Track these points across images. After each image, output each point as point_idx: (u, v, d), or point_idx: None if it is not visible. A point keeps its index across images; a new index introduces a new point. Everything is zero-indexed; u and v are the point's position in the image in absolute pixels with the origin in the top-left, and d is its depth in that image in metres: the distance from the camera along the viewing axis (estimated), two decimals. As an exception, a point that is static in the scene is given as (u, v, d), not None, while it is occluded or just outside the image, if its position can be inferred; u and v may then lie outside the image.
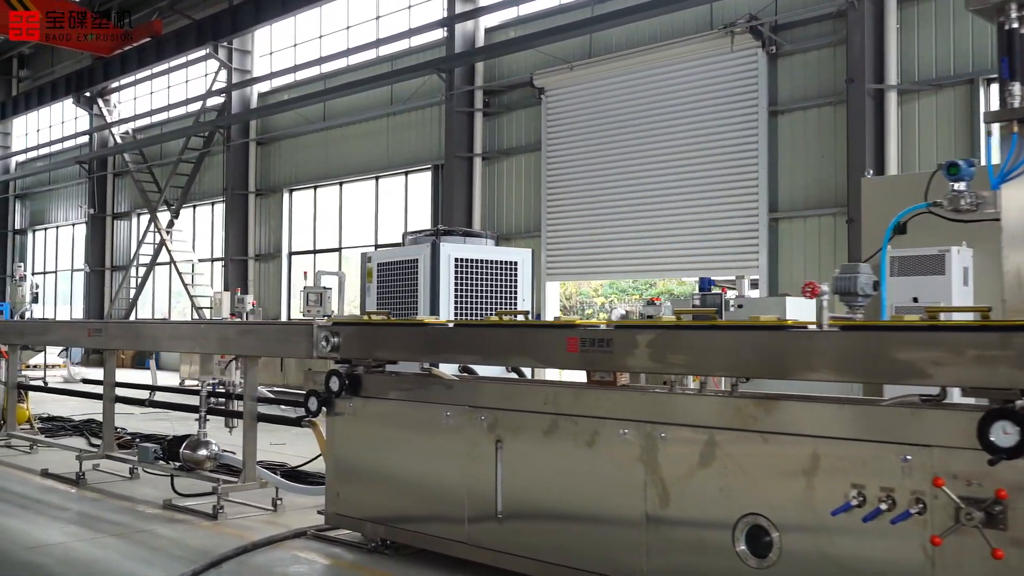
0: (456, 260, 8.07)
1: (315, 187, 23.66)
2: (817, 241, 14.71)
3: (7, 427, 9.95)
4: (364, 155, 22.10)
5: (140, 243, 28.04)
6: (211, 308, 23.95)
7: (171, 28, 24.84)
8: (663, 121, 16.18)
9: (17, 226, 36.30)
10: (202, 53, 25.84)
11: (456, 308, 8.05)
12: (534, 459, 4.71)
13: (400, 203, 21.48)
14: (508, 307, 8.28)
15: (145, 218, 29.62)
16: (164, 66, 27.58)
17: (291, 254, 24.33)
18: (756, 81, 15.15)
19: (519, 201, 18.81)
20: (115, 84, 29.91)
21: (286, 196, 24.35)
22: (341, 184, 22.95)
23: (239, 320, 14.17)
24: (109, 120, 29.81)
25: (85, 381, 10.57)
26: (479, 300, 8.17)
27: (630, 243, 16.62)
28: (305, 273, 17.70)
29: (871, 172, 11.60)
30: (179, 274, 26.15)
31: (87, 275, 30.28)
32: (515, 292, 8.36)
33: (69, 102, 32.11)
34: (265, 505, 6.82)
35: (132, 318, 26.89)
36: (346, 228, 22.89)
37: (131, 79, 29.29)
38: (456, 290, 8.06)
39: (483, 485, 4.93)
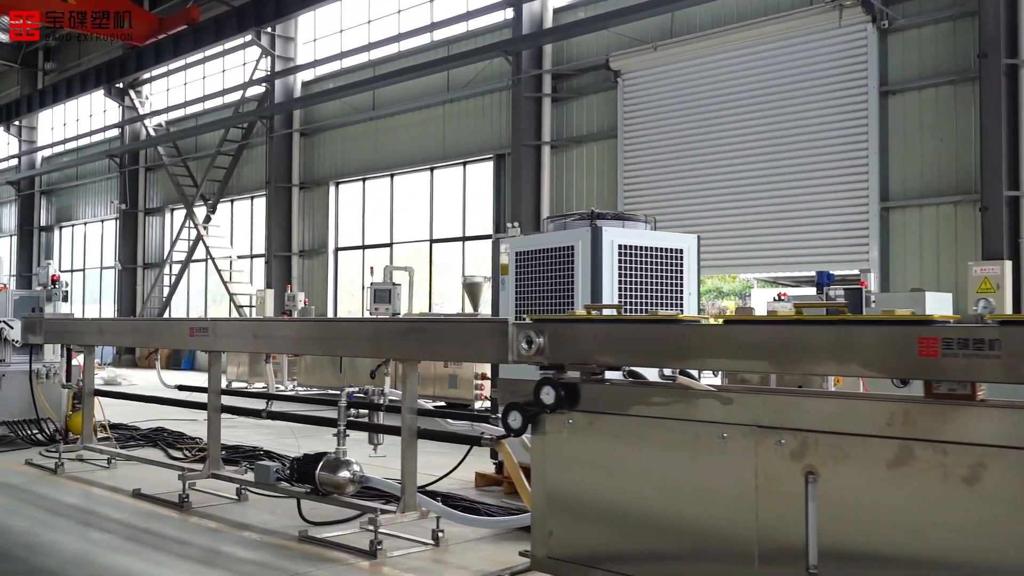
0: (620, 247, 6.93)
1: (363, 179, 22.55)
2: (935, 232, 13.52)
3: (82, 439, 8.84)
4: (417, 145, 20.98)
5: (175, 239, 26.98)
6: (253, 307, 22.91)
7: (208, 15, 23.78)
8: (758, 105, 15.03)
9: (43, 223, 35.29)
10: (240, 41, 24.81)
11: (619, 303, 6.90)
12: (871, 498, 3.57)
13: (457, 195, 20.35)
14: (673, 302, 7.14)
15: (179, 213, 28.60)
16: (199, 55, 26.55)
17: (337, 250, 23.22)
18: (865, 59, 14.00)
19: (591, 192, 17.66)
20: (146, 75, 28.89)
21: (332, 189, 23.24)
22: (392, 176, 21.83)
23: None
24: (141, 112, 28.74)
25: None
26: (643, 293, 7.03)
27: (720, 237, 15.43)
28: (372, 268, 16.60)
29: None
30: (217, 271, 25.08)
31: (118, 273, 29.23)
32: (680, 284, 7.21)
33: (97, 95, 31.13)
34: (425, 539, 5.71)
35: (166, 317, 25.84)
36: (397, 222, 21.77)
37: (163, 69, 28.26)
38: (619, 282, 6.93)
39: (783, 528, 3.79)
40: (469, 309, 19.80)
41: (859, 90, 14.04)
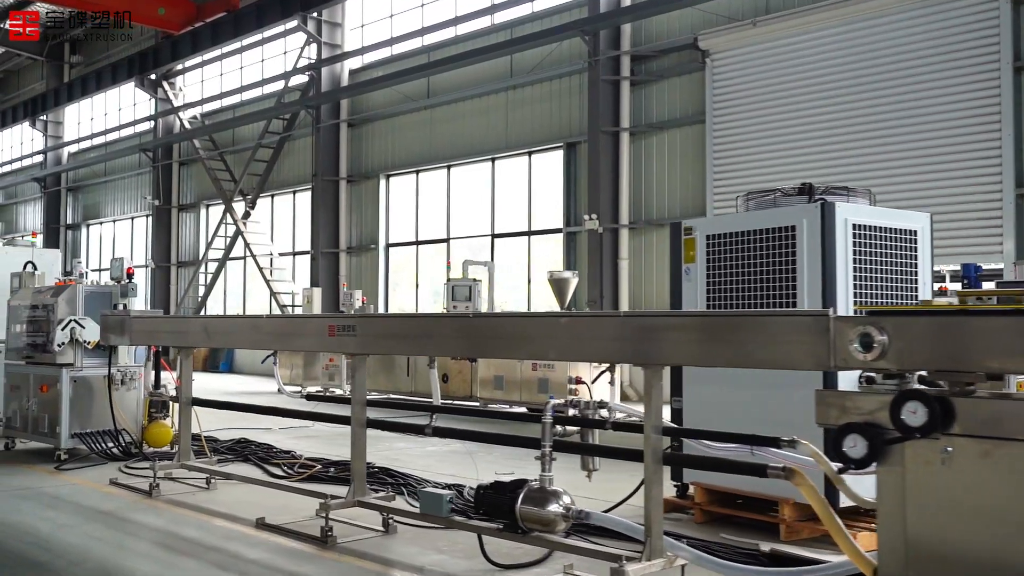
0: (855, 227, 5.72)
1: (417, 171, 21.37)
2: (1079, 221, 12.28)
3: (179, 455, 7.65)
4: (477, 135, 19.80)
5: (212, 236, 25.82)
6: (301, 306, 21.76)
7: (248, 1, 22.64)
8: (869, 85, 13.79)
9: (69, 221, 34.21)
10: (282, 28, 23.67)
11: (855, 295, 5.70)
12: None
13: (521, 188, 19.15)
14: (909, 293, 5.94)
15: (215, 210, 27.48)
16: (236, 44, 25.42)
17: (388, 246, 22.04)
18: (997, 32, 12.75)
19: (674, 182, 16.45)
20: (179, 66, 27.76)
21: (382, 182, 22.06)
22: (449, 168, 20.64)
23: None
24: (176, 104, 27.61)
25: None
26: (879, 282, 5.83)
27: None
28: (449, 264, 15.41)
29: None
30: (259, 269, 23.94)
31: (152, 272, 28.09)
32: (915, 271, 6.00)
33: (127, 87, 30.07)
34: (664, 591, 4.51)
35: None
36: (455, 216, 20.57)
37: (198, 60, 27.13)
38: (854, 268, 5.72)
39: None
40: (540, 307, 18.65)
41: (989, 66, 12.79)
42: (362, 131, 22.60)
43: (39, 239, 12.01)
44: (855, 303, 5.69)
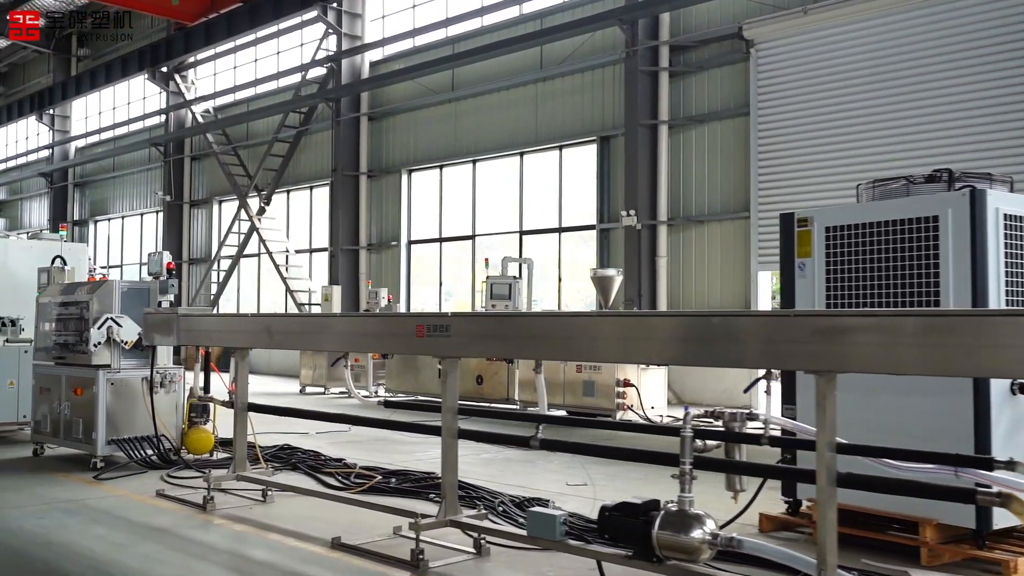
0: (1007, 217, 5.15)
1: (440, 166, 20.77)
2: None
3: (235, 465, 7.05)
4: (504, 128, 19.21)
5: (227, 233, 25.21)
6: (319, 304, 21.16)
7: (265, -9, 22.08)
8: (932, 75, 13.19)
9: (76, 217, 33.58)
10: (299, 20, 23.10)
11: (1007, 291, 5.13)
12: None
13: (551, 183, 18.56)
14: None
15: (228, 206, 26.90)
16: (251, 36, 24.83)
17: (411, 243, 21.44)
18: (1066, 19, 12.18)
19: (715, 177, 15.87)
20: (191, 59, 27.15)
21: (404, 177, 21.46)
22: (474, 162, 20.05)
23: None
24: (188, 98, 26.99)
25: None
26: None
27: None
28: (487, 260, 14.81)
29: None
30: (275, 266, 23.34)
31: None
32: (1064, 268, 5.42)
33: (136, 81, 29.49)
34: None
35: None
36: (480, 212, 19.98)
37: (210, 52, 26.53)
38: (1007, 264, 5.15)
39: None
40: (578, 305, 18.09)
41: (1059, 54, 12.23)
42: (382, 125, 22.00)
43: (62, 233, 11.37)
44: (1006, 300, 5.12)
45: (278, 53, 25.18)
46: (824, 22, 14.23)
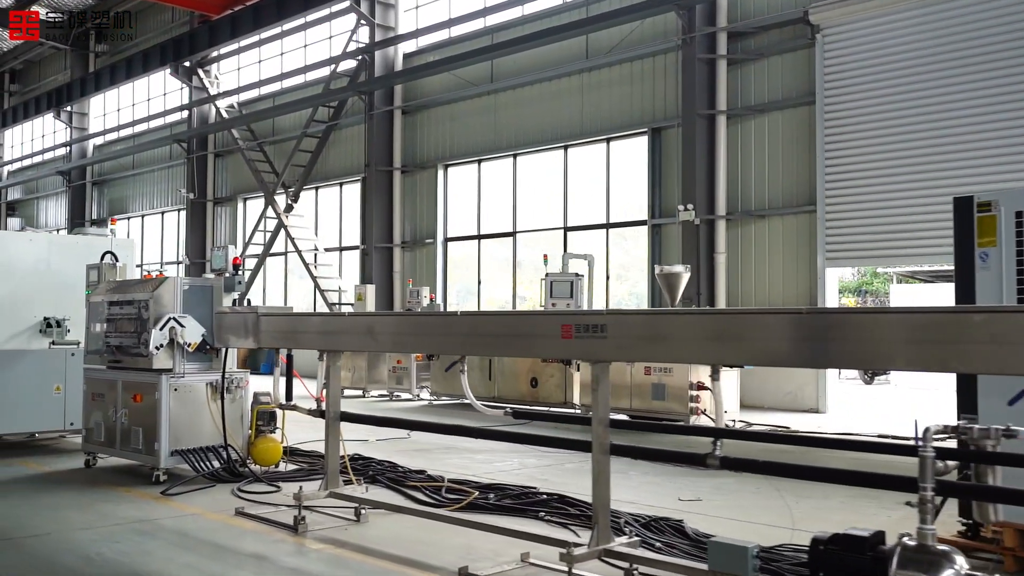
0: None
1: (479, 160, 20.08)
2: None
3: (327, 481, 6.33)
4: (547, 121, 18.51)
5: (253, 230, 24.54)
6: (352, 304, 20.47)
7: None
8: (1010, 57, 12.47)
9: (94, 216, 32.94)
10: (327, 12, 22.40)
11: None
12: None
13: (598, 176, 17.85)
14: None
15: (252, 203, 26.27)
16: (277, 29, 24.16)
17: (447, 240, 20.75)
18: None
19: (776, 169, 15.15)
20: (215, 53, 26.49)
21: (440, 172, 20.76)
22: (515, 156, 19.34)
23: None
24: (212, 92, 26.33)
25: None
26: None
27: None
28: (545, 256, 14.10)
29: None
30: (304, 264, 22.67)
31: (186, 269, 26.80)
32: None
33: (156, 77, 28.85)
34: None
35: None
36: (521, 208, 19.28)
37: (235, 46, 25.87)
38: None
39: None
40: (620, 304, 17.38)
41: None
42: (416, 119, 21.30)
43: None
44: None
45: (305, 46, 24.51)
46: (897, 5, 13.52)
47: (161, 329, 7.65)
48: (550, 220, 18.64)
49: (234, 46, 25.76)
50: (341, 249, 23.39)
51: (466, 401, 14.73)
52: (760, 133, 15.38)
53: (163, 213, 29.92)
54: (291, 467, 8.29)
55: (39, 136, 36.73)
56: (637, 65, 17.07)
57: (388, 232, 21.34)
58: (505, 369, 14.56)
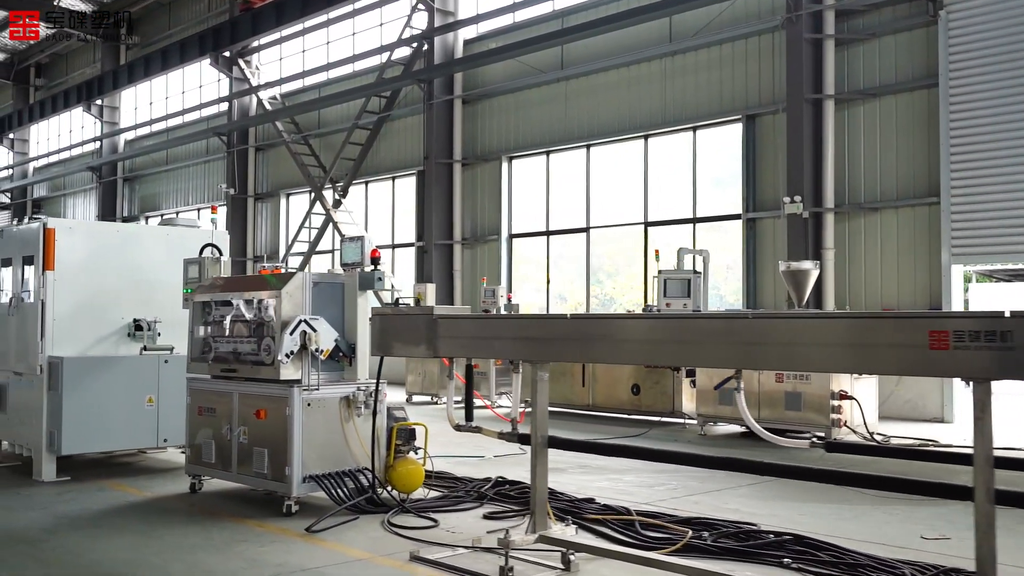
0: None
1: (547, 152, 18.93)
2: None
3: (533, 520, 5.20)
4: (624, 109, 17.37)
5: (300, 227, 23.46)
6: (407, 303, 19.29)
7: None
8: None
9: (125, 213, 31.91)
10: (381, -2, 21.32)
11: None
12: None
13: (683, 168, 16.70)
14: None
15: (296, 199, 25.21)
16: (323, 17, 23.07)
17: (511, 236, 19.62)
18: None
19: (890, 157, 13.99)
20: (256, 43, 25.42)
21: (504, 165, 19.63)
22: (588, 147, 18.20)
23: None
24: (254, 83, 25.25)
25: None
26: None
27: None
28: (657, 252, 12.95)
29: None
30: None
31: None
32: None
33: (191, 68, 27.77)
34: None
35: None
36: (595, 202, 18.13)
37: (276, 36, 24.79)
38: None
39: None
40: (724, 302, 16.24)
41: None
42: (477, 108, 20.17)
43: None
44: None
45: (353, 34, 23.38)
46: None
47: (292, 334, 6.53)
48: (627, 215, 17.50)
49: (275, 36, 24.68)
50: (394, 246, 22.27)
51: (553, 409, 13.61)
52: (871, 119, 14.21)
53: (199, 210, 28.82)
54: (431, 493, 7.16)
55: (66, 132, 35.71)
56: (728, 48, 15.91)
57: (448, 228, 20.21)
58: (600, 375, 13.43)
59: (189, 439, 7.43)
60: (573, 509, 6.51)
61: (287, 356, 6.52)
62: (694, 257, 13.29)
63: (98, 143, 32.28)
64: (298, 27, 23.81)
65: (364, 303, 6.96)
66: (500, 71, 19.45)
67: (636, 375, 12.92)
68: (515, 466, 8.75)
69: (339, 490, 6.53)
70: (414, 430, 7.02)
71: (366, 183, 23.04)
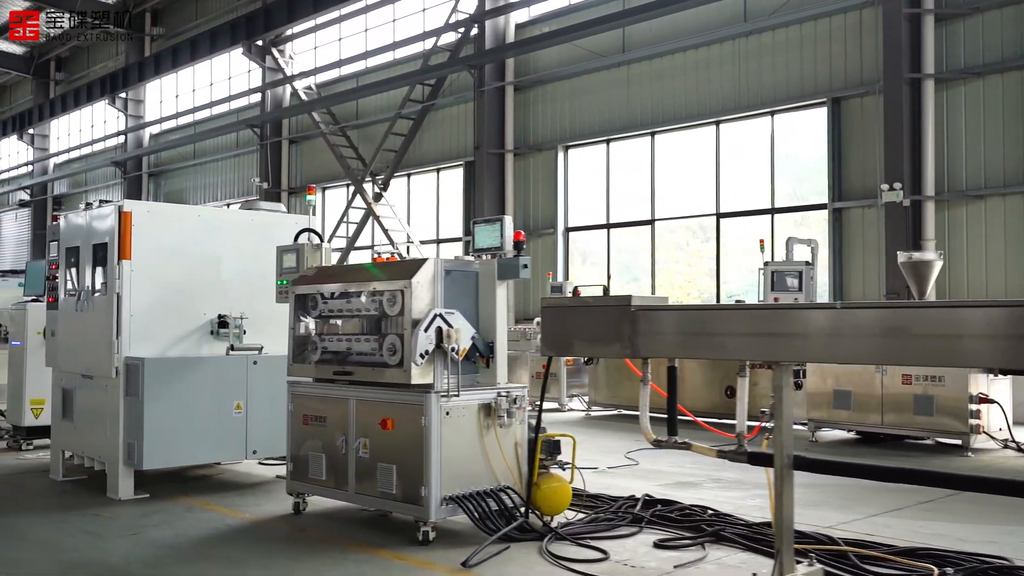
0: None
1: (607, 140, 17.94)
2: None
3: (781, 564, 4.22)
4: (692, 94, 16.39)
5: (339, 222, 22.52)
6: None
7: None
8: None
9: (151, 209, 30.93)
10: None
11: None
12: None
13: (759, 155, 15.70)
14: None
15: (331, 193, 24.27)
16: (362, 3, 22.12)
17: (568, 230, 18.64)
18: None
19: (996, 142, 12.98)
20: (288, 31, 24.50)
21: (560, 154, 18.65)
22: (652, 135, 17.21)
23: None
24: (289, 73, 24.31)
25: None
26: None
27: None
28: (762, 242, 11.97)
29: None
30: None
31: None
32: None
33: (219, 59, 26.87)
34: None
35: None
36: (659, 193, 17.15)
37: (310, 23, 23.86)
38: None
39: None
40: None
41: None
42: (529, 96, 19.20)
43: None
44: None
45: (394, 20, 22.43)
46: None
47: (426, 331, 5.57)
48: (696, 206, 16.51)
49: (311, 23, 23.75)
50: (439, 241, 21.33)
51: (633, 413, 12.61)
52: (975, 99, 13.20)
53: (228, 205, 27.89)
54: (576, 514, 6.19)
55: (88, 127, 34.83)
56: (809, 27, 14.90)
57: (499, 221, 19.19)
58: (686, 375, 12.44)
59: (292, 452, 6.47)
60: (757, 535, 5.54)
61: (422, 356, 5.56)
62: (789, 247, 12.29)
63: (122, 137, 31.40)
64: (334, 14, 22.87)
65: (503, 294, 6.00)
66: (554, 56, 18.47)
67: (730, 376, 11.93)
68: (635, 478, 7.83)
69: (487, 517, 5.56)
70: (559, 442, 6.06)
71: (408, 175, 22.08)
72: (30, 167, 37.12)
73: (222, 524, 6.19)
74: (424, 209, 21.88)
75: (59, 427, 7.84)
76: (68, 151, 35.47)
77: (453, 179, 20.79)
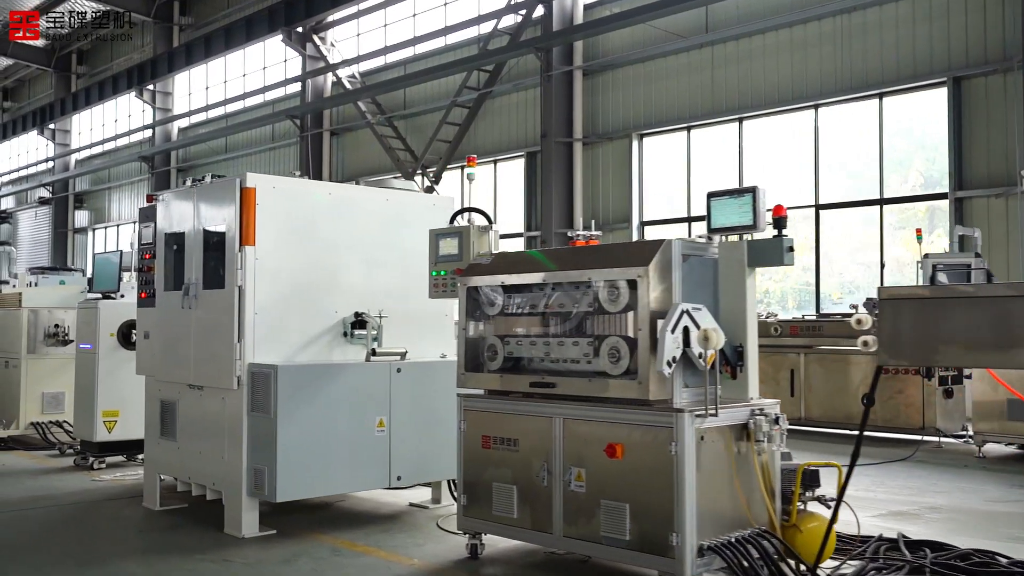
0: None
1: (688, 127, 16.70)
2: None
3: None
4: (784, 77, 15.14)
5: (387, 217, 21.24)
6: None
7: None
8: None
9: (179, 206, 29.77)
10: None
11: None
12: None
13: (864, 142, 14.46)
14: None
15: (378, 187, 22.96)
16: (411, -14, 20.95)
17: (643, 224, 17.40)
18: None
19: None
20: (330, 17, 23.31)
21: (634, 143, 17.41)
22: (740, 121, 15.96)
23: None
24: (332, 61, 23.10)
25: None
26: None
27: None
28: (919, 232, 10.68)
29: None
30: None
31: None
32: None
33: (253, 48, 25.68)
34: None
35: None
36: (747, 183, 15.87)
37: (353, 9, 22.68)
38: None
39: None
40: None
41: None
42: (599, 81, 17.96)
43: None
44: None
45: (445, 4, 21.21)
46: None
47: (673, 331, 4.34)
48: (792, 196, 15.25)
49: (354, 9, 22.56)
50: (499, 237, 20.05)
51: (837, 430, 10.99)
52: (1122, 77, 11.97)
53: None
54: (833, 562, 4.95)
55: (111, 121, 33.66)
56: (924, 1, 13.67)
57: (568, 215, 17.99)
58: (816, 382, 11.19)
59: (466, 480, 5.24)
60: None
61: (669, 365, 4.32)
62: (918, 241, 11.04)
63: (148, 132, 30.21)
64: (381, -1, 21.75)
65: (752, 286, 4.76)
66: (626, 38, 17.22)
67: (866, 384, 10.67)
68: (892, 514, 6.51)
69: (736, 556, 4.33)
70: (817, 472, 4.82)
71: (461, 168, 20.75)
72: (51, 163, 35.94)
73: (388, 574, 4.96)
74: (480, 203, 20.58)
75: (156, 446, 6.61)
76: (91, 146, 34.31)
77: (512, 171, 19.57)
